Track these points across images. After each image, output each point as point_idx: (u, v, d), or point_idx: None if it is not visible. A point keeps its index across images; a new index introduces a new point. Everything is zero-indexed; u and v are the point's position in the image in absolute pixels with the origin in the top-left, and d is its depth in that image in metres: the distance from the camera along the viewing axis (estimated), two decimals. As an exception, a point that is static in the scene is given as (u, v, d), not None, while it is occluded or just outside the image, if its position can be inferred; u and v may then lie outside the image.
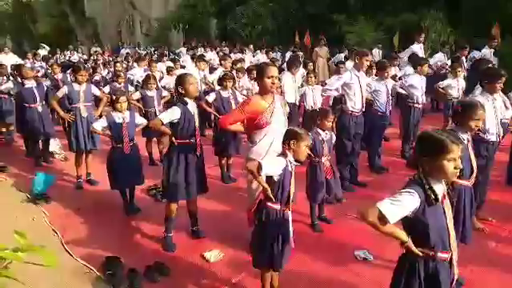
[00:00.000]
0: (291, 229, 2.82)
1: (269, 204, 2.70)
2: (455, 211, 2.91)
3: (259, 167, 2.52)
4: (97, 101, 6.00)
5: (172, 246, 3.78)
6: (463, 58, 9.11)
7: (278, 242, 2.70)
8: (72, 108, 5.42)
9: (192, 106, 3.67)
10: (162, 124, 3.60)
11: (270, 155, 3.21)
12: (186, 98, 3.61)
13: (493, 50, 9.27)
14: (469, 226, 3.07)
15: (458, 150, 1.88)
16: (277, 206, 2.70)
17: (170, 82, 8.27)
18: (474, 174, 3.02)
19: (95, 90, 5.73)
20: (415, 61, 6.50)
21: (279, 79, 4.99)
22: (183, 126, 3.59)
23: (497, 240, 3.76)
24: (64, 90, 5.46)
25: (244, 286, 3.23)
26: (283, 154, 2.70)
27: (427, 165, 1.92)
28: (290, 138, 2.69)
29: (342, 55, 11.68)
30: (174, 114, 3.57)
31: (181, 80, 3.64)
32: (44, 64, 12.64)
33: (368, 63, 4.97)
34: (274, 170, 2.62)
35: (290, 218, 3.36)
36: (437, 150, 1.89)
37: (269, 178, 2.68)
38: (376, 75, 5.83)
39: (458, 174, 2.80)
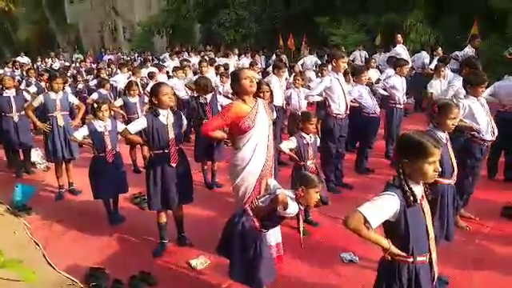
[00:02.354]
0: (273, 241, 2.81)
1: (254, 220, 2.68)
2: (440, 210, 2.95)
3: (287, 202, 2.53)
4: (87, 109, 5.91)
5: (157, 252, 3.78)
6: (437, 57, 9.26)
7: (256, 257, 2.69)
8: (48, 117, 5.31)
9: (165, 117, 3.60)
10: (130, 134, 3.64)
11: (253, 160, 3.20)
12: (158, 109, 3.59)
13: (473, 49, 9.43)
14: (452, 224, 3.10)
15: (438, 153, 1.91)
16: (257, 224, 2.69)
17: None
18: (455, 172, 3.05)
19: (72, 99, 5.64)
20: (395, 62, 6.57)
21: (267, 84, 4.99)
22: (153, 136, 3.58)
23: (479, 237, 3.81)
24: (40, 98, 5.33)
25: (231, 292, 3.21)
26: (297, 202, 2.64)
27: (407, 167, 1.93)
28: (300, 183, 2.65)
29: (306, 59, 11.80)
30: (140, 124, 3.62)
31: (154, 90, 3.61)
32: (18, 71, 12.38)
33: (345, 65, 5.00)
34: (292, 212, 2.60)
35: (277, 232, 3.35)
36: (418, 154, 1.90)
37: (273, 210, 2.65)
38: (354, 81, 5.82)
39: (440, 172, 2.87)
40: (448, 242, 3.08)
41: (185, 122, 3.85)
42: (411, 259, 1.95)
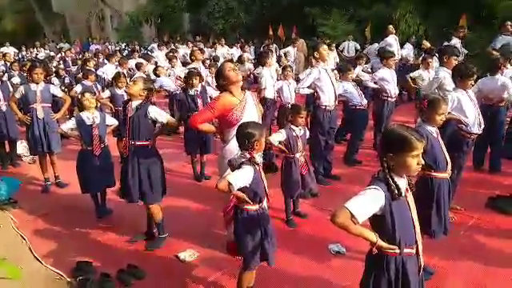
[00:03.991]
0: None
1: (246, 207, 2.66)
2: (436, 205, 2.96)
3: (229, 185, 2.46)
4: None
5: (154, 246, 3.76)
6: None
7: (267, 236, 2.70)
8: (29, 109, 5.16)
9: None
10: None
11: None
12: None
13: (460, 40, 9.49)
14: (448, 218, 3.10)
15: (421, 146, 1.93)
16: (255, 207, 2.68)
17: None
18: (450, 166, 3.05)
19: (56, 91, 5.48)
20: (381, 55, 6.56)
21: (254, 75, 4.99)
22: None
23: (464, 228, 3.87)
24: (21, 89, 5.19)
25: (220, 284, 3.22)
26: (250, 161, 2.60)
27: (391, 161, 1.95)
28: (249, 140, 2.60)
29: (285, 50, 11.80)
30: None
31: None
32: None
33: (327, 52, 5.01)
34: (245, 181, 2.55)
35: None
36: (402, 147, 1.92)
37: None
38: (340, 78, 5.76)
39: (435, 167, 2.85)
40: (445, 236, 3.08)
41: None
42: (398, 251, 1.97)
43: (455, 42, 9.38)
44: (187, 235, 3.87)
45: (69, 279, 3.34)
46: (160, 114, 3.62)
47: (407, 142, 1.91)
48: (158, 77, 7.75)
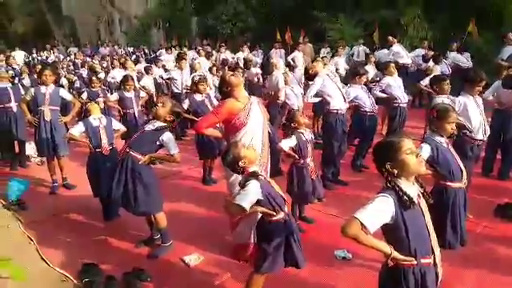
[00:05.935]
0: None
1: (274, 219, 2.64)
2: (451, 215, 2.93)
3: (239, 207, 2.46)
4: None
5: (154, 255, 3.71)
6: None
7: (295, 242, 2.71)
8: (38, 111, 5.18)
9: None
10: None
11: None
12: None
13: (456, 53, 9.53)
14: (464, 228, 3.06)
15: (408, 141, 1.96)
16: (281, 215, 2.65)
17: (148, 82, 8.18)
18: (465, 175, 3.00)
19: (65, 94, 5.51)
20: (381, 65, 6.56)
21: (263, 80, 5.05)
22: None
23: (472, 235, 3.80)
24: (31, 91, 5.25)
25: (226, 288, 3.21)
26: (252, 176, 2.59)
27: (393, 169, 1.95)
28: (236, 164, 2.61)
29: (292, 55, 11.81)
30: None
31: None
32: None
33: (319, 63, 5.21)
34: (255, 196, 2.53)
35: None
36: (392, 151, 1.96)
37: (257, 202, 2.58)
38: (352, 82, 5.57)
39: (449, 176, 2.85)
40: (461, 246, 3.04)
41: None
42: (415, 262, 1.92)
43: (454, 55, 9.43)
44: (193, 239, 3.87)
45: (75, 281, 3.35)
46: (171, 144, 3.51)
47: (394, 143, 1.97)
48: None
